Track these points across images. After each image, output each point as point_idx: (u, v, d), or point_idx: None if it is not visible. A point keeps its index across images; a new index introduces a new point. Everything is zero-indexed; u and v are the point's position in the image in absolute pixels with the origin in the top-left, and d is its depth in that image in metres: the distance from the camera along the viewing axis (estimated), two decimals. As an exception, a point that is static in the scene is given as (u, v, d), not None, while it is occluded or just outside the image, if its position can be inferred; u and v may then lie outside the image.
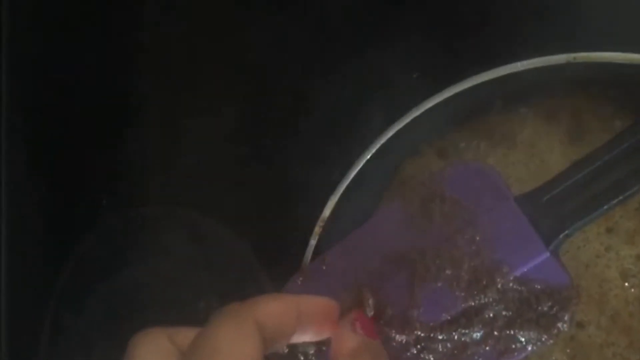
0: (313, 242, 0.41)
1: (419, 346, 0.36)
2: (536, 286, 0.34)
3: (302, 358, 0.39)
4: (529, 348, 0.35)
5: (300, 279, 0.40)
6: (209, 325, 0.26)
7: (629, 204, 0.40)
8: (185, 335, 0.27)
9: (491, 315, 0.35)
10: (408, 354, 0.36)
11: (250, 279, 0.53)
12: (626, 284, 0.40)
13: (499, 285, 0.35)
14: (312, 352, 0.38)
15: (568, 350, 0.41)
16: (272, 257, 0.44)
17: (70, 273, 0.59)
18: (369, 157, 0.40)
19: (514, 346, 0.35)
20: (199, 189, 0.54)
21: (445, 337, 0.36)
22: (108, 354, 0.57)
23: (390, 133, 0.40)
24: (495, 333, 0.35)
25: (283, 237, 0.44)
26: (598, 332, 0.40)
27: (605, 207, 0.33)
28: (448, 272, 0.36)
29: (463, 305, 0.35)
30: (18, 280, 0.58)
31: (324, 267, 0.40)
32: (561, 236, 0.34)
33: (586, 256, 0.40)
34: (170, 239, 0.56)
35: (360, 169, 0.40)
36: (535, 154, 0.42)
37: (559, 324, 0.34)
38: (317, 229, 0.41)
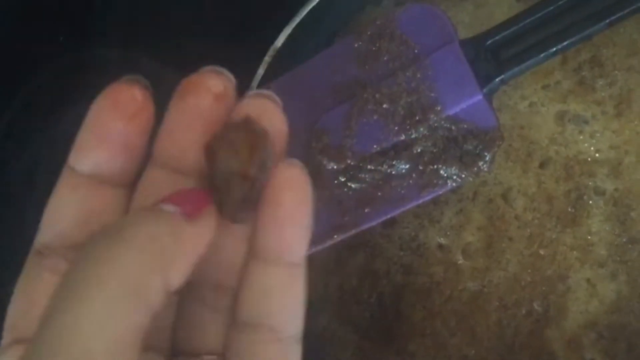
0: (261, 71, 0.41)
1: (347, 175, 0.38)
2: (465, 126, 0.36)
3: None
4: (449, 184, 0.36)
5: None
6: None
7: (568, 63, 0.41)
8: None
9: (419, 150, 0.37)
10: (336, 181, 0.38)
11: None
12: (554, 147, 0.42)
13: (431, 123, 0.36)
14: None
15: (487, 212, 0.43)
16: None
17: (19, 107, 0.59)
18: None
19: (435, 181, 0.37)
20: (158, 33, 0.54)
21: (373, 168, 0.37)
22: (50, 190, 0.58)
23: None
24: (420, 167, 0.37)
25: (232, 63, 0.44)
26: (521, 198, 0.42)
27: (541, 55, 0.34)
28: (385, 106, 0.37)
29: (395, 138, 0.37)
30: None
31: (269, 95, 0.40)
32: (497, 80, 0.35)
33: (520, 114, 0.42)
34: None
35: (318, 6, 0.41)
36: (484, 5, 0.43)
37: (480, 163, 0.36)
38: (267, 58, 0.41)
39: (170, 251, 0.21)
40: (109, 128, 0.24)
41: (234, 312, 0.24)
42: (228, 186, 0.23)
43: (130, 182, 0.25)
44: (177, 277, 0.21)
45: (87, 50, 0.57)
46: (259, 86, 0.41)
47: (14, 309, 0.23)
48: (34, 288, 0.23)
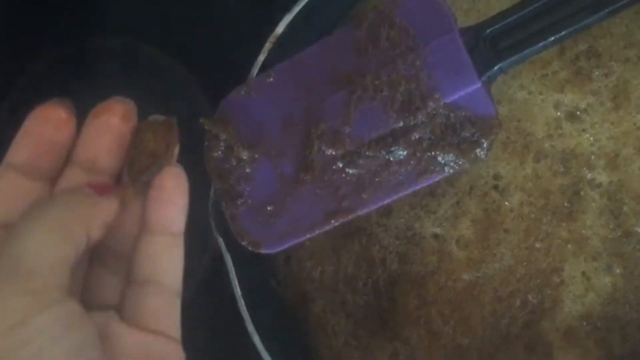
0: (262, 57, 0.41)
1: (345, 161, 0.38)
2: (463, 113, 0.36)
3: (234, 163, 0.41)
4: (446, 170, 0.37)
5: (244, 90, 0.41)
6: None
7: (566, 54, 0.41)
8: None
9: (417, 137, 0.37)
10: (334, 167, 0.38)
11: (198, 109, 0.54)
12: (551, 140, 0.42)
13: (429, 110, 0.36)
14: (245, 157, 0.40)
15: (482, 205, 0.43)
16: (220, 70, 0.45)
17: (19, 94, 0.60)
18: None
19: (432, 168, 0.37)
20: (158, 21, 0.54)
21: (371, 154, 0.38)
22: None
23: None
24: (418, 154, 0.37)
25: (232, 49, 0.45)
26: (518, 192, 0.43)
27: (539, 45, 0.35)
28: (384, 93, 0.37)
29: (393, 125, 0.37)
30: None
31: (269, 81, 0.41)
32: (495, 68, 0.36)
33: (519, 106, 0.42)
34: (122, 72, 0.57)
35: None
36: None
37: (478, 150, 0.36)
38: (268, 45, 0.41)
39: (89, 211, 0.29)
40: (41, 133, 0.32)
41: (129, 273, 0.32)
42: (139, 158, 0.33)
43: (53, 178, 0.32)
44: (95, 231, 0.29)
45: (87, 39, 0.57)
46: (259, 73, 0.42)
47: None
48: None
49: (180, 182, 0.32)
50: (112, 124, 0.33)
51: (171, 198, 0.32)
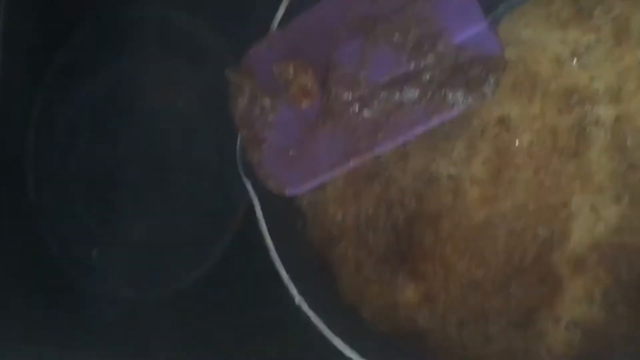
0: (281, 12, 0.44)
1: (362, 103, 0.41)
2: (470, 53, 0.38)
3: (258, 111, 0.43)
4: (455, 108, 0.39)
5: (265, 43, 0.44)
6: None
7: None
8: None
9: (427, 77, 0.39)
10: (351, 110, 0.41)
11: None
12: (557, 79, 0.44)
13: (439, 51, 0.39)
14: (267, 105, 0.43)
15: (494, 145, 0.45)
16: (244, 28, 0.48)
17: (60, 65, 0.63)
18: None
19: (443, 106, 0.39)
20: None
21: (385, 96, 0.40)
22: (92, 142, 0.62)
23: None
24: (429, 94, 0.39)
25: (256, 7, 0.47)
26: (527, 132, 0.45)
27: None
28: (396, 38, 0.40)
29: (405, 68, 0.39)
30: (9, 69, 0.60)
31: (288, 33, 0.43)
32: (500, 7, 0.38)
33: (525, 46, 0.44)
34: (155, 38, 0.60)
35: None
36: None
37: (485, 87, 0.38)
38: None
39: None
40: None
41: None
42: None
43: None
44: None
45: (123, 10, 0.60)
46: (280, 24, 0.44)
47: None
48: None
49: None
50: None
51: None
